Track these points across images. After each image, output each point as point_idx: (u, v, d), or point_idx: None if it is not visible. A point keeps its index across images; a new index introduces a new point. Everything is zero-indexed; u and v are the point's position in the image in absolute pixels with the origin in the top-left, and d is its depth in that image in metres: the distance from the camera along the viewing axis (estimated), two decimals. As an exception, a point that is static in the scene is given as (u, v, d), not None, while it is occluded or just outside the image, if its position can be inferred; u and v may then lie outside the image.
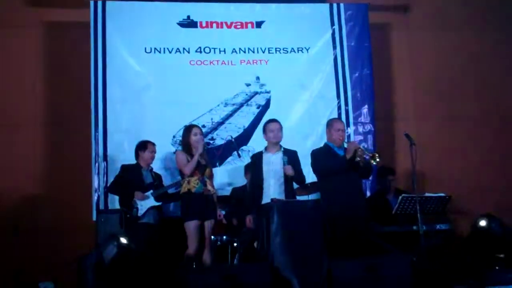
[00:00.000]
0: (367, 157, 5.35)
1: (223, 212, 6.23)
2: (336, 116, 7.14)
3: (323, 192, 5.71)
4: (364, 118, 7.25)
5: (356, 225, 5.42)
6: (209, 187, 5.77)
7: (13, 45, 7.09)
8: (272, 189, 5.60)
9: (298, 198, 5.96)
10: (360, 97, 7.32)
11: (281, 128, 5.74)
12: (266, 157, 5.72)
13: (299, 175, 5.66)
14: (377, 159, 5.33)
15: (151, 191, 6.02)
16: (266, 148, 5.73)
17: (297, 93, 7.22)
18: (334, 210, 5.38)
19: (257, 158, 5.75)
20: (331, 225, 5.16)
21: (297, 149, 5.98)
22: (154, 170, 6.27)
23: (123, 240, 5.22)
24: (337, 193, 5.47)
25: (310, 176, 6.03)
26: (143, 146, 6.16)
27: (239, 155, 6.74)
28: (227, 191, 6.77)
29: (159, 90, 6.95)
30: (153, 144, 6.23)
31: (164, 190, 6.02)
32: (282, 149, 5.66)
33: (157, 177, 6.24)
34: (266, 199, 5.61)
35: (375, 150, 6.07)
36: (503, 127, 7.73)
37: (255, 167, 5.73)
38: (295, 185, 5.87)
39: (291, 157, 5.65)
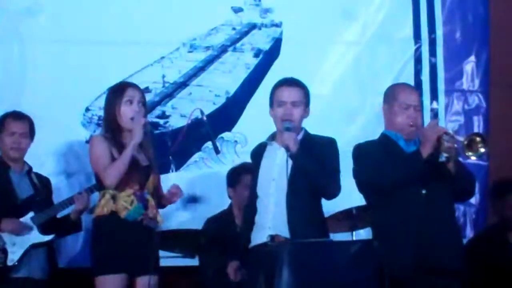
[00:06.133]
0: (460, 146, 3.88)
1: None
2: (411, 77, 5.49)
3: (378, 227, 4.12)
4: (468, 82, 5.62)
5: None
6: (153, 212, 4.10)
7: None
8: (272, 217, 3.99)
9: (334, 237, 4.55)
10: (462, 39, 5.64)
11: (305, 96, 4.08)
12: (269, 151, 4.09)
13: (325, 173, 4.00)
14: (481, 148, 3.86)
15: (31, 213, 4.45)
16: (272, 137, 4.13)
17: (335, 30, 5.56)
18: (399, 263, 3.87)
19: (257, 155, 4.14)
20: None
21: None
22: (35, 171, 4.72)
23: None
24: (406, 229, 3.93)
25: (354, 197, 4.39)
26: (0, 125, 4.58)
27: (216, 150, 5.06)
28: (191, 223, 5.07)
29: (58, 18, 5.31)
30: (17, 117, 4.56)
31: (56, 212, 4.47)
32: (303, 134, 4.04)
33: (43, 185, 4.64)
34: (260, 236, 3.98)
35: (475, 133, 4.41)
36: None
37: (252, 172, 4.20)
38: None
39: (317, 149, 4.02)
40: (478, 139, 3.95)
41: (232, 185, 4.96)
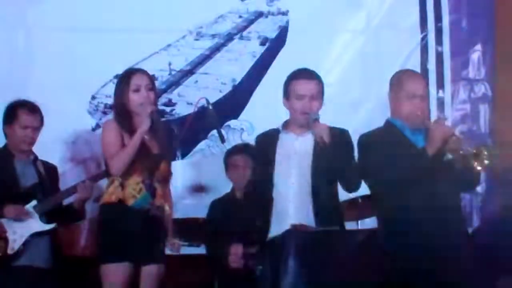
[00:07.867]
0: (467, 153, 3.76)
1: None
2: (417, 66, 5.40)
3: (382, 218, 4.04)
4: (474, 71, 5.57)
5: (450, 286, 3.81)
6: (160, 201, 4.03)
7: None
8: (294, 206, 3.90)
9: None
10: (468, 27, 5.61)
11: (322, 89, 4.03)
12: (285, 140, 4.04)
13: (351, 166, 3.96)
14: (486, 160, 3.72)
15: (34, 202, 4.39)
16: (285, 126, 4.05)
17: (341, 18, 5.52)
18: (404, 255, 3.78)
19: (267, 143, 4.08)
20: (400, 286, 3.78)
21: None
22: (40, 159, 4.63)
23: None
24: (411, 221, 3.80)
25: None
26: (11, 114, 4.44)
27: (222, 138, 4.57)
28: (197, 211, 5.03)
29: (64, 6, 5.25)
30: (32, 110, 4.43)
31: (59, 201, 4.41)
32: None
33: (49, 174, 4.56)
34: (280, 226, 3.92)
35: (483, 143, 4.25)
36: None
37: (262, 158, 4.10)
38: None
39: (334, 141, 3.94)
40: (485, 152, 3.88)
41: (228, 169, 4.97)
